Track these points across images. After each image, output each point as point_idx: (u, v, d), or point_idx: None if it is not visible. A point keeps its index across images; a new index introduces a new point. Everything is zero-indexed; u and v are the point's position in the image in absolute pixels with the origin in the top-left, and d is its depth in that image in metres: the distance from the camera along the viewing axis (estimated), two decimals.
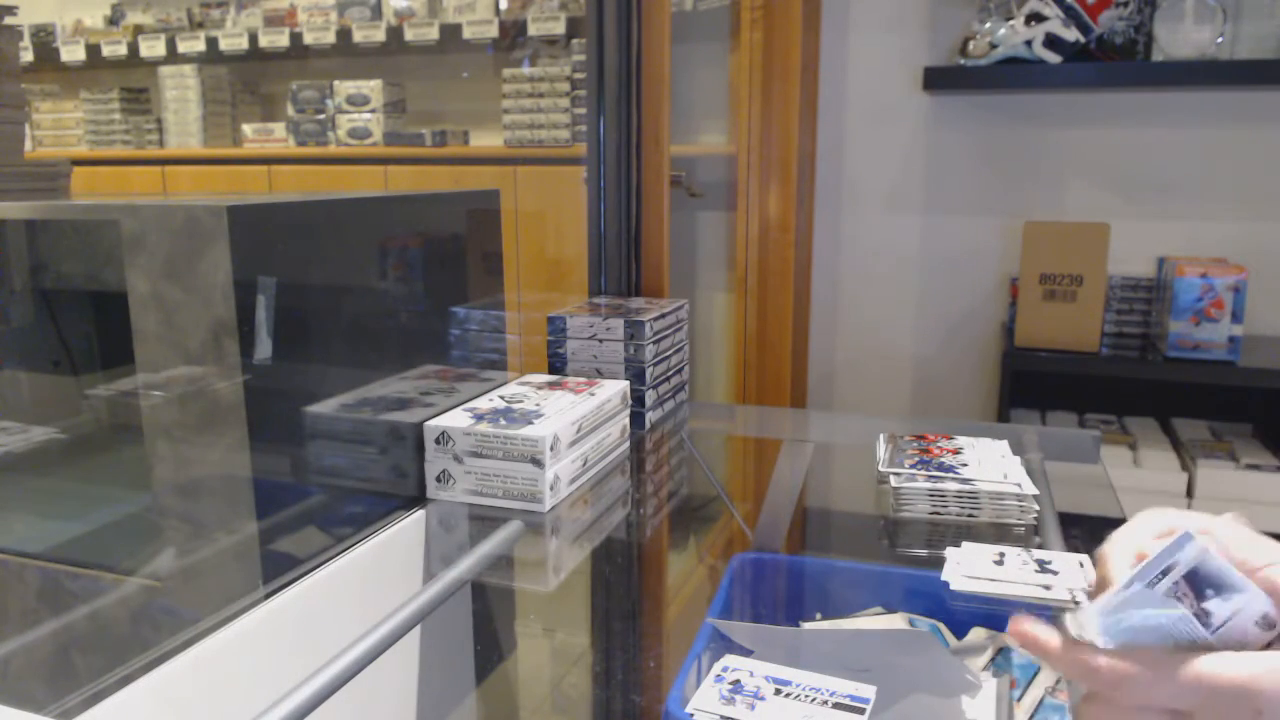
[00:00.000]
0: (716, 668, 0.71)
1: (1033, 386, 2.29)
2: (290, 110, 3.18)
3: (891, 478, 1.08)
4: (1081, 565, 0.85)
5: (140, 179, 3.26)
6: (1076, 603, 0.80)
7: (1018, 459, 1.13)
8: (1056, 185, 2.36)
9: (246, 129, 3.27)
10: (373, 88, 3.07)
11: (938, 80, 2.27)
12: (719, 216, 2.56)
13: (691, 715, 0.65)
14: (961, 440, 1.21)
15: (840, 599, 0.91)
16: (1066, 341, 2.09)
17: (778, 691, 0.67)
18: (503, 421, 1.06)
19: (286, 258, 0.87)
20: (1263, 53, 2.12)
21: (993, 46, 2.16)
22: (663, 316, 1.41)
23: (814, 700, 0.66)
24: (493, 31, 2.91)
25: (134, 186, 3.20)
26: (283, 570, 0.87)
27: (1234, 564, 0.45)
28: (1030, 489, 1.03)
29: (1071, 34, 2.08)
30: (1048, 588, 0.82)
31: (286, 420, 0.88)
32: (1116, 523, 1.20)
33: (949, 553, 0.88)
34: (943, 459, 1.13)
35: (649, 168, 1.61)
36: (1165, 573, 0.45)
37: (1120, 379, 2.25)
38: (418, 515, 1.05)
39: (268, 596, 0.84)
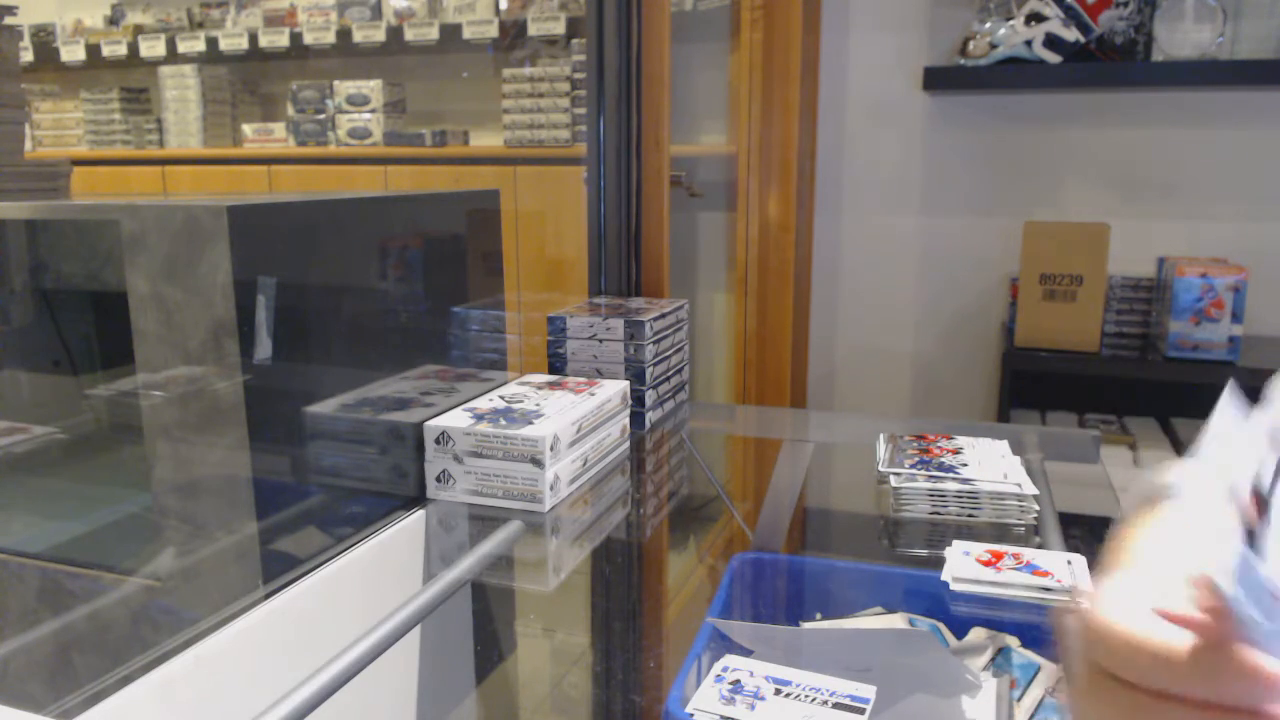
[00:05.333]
0: (716, 668, 0.71)
1: (1033, 386, 2.29)
2: (290, 110, 3.18)
3: (891, 478, 1.08)
4: (1069, 563, 0.85)
5: (140, 179, 3.26)
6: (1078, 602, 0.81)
7: (1018, 459, 1.13)
8: (1056, 185, 2.36)
9: (246, 129, 3.27)
10: (373, 88, 3.07)
11: (938, 80, 2.27)
12: (719, 216, 2.56)
13: (691, 715, 0.65)
14: (961, 440, 1.21)
15: (840, 599, 0.91)
16: (1066, 341, 2.09)
17: (778, 691, 0.67)
18: (503, 421, 1.06)
19: (286, 258, 0.87)
20: (1263, 53, 2.12)
21: (993, 46, 2.16)
22: (663, 316, 1.41)
23: (814, 700, 0.66)
24: (493, 31, 2.91)
25: (134, 186, 3.20)
26: (283, 570, 0.87)
27: None
28: (1030, 489, 1.03)
29: (1071, 34, 2.08)
30: (1048, 589, 0.82)
31: (286, 420, 0.88)
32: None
33: (949, 553, 0.88)
34: (943, 459, 1.13)
35: (649, 168, 1.61)
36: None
37: (1120, 379, 2.25)
38: (418, 515, 1.05)
39: (268, 596, 0.84)
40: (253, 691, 0.79)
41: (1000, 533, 1.00)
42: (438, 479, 1.07)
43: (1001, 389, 2.16)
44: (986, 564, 0.95)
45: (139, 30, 3.37)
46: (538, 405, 1.12)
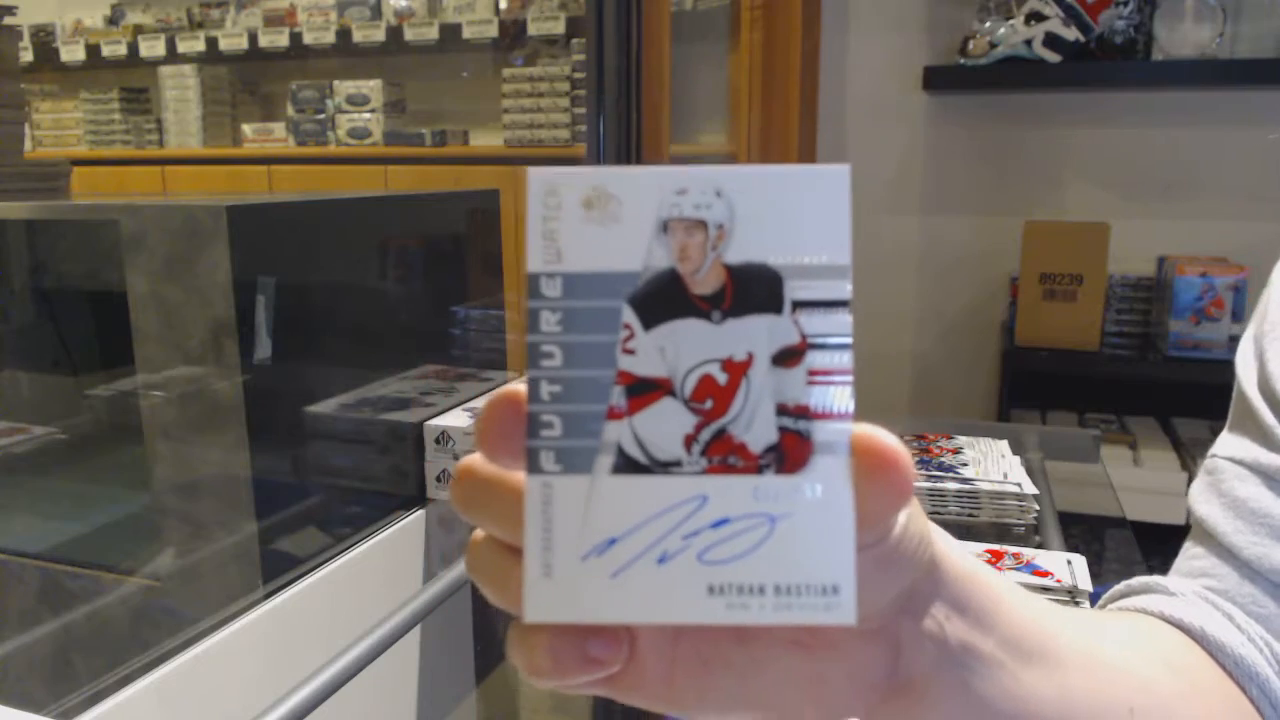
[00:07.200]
0: None
1: (1033, 386, 2.29)
2: (290, 110, 3.18)
3: None
4: (1069, 563, 0.85)
5: (140, 179, 3.26)
6: (1076, 602, 0.81)
7: (1018, 459, 1.13)
8: (1056, 185, 2.36)
9: (246, 129, 3.27)
10: (373, 88, 3.07)
11: (938, 80, 2.27)
12: None
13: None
14: (961, 440, 1.21)
15: None
16: (1066, 341, 2.09)
17: None
18: None
19: (286, 258, 0.87)
20: (1262, 52, 2.12)
21: (992, 46, 2.16)
22: None
23: None
24: (493, 31, 2.90)
25: (134, 186, 3.20)
26: (283, 570, 0.87)
27: None
28: (1030, 489, 1.03)
29: (1071, 33, 2.08)
30: (1048, 589, 0.82)
31: (286, 420, 0.88)
32: (1117, 522, 1.20)
33: None
34: (942, 459, 1.13)
35: None
36: None
37: (1120, 379, 2.25)
38: (418, 515, 1.05)
39: (268, 596, 0.84)
40: (253, 691, 0.79)
41: (1000, 533, 1.00)
42: (438, 479, 1.07)
43: (1001, 389, 2.16)
44: (987, 564, 0.95)
45: (139, 30, 3.36)
46: None
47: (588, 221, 0.24)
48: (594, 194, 0.24)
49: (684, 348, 0.24)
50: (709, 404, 0.24)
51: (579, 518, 0.23)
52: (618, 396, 0.24)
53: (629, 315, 0.24)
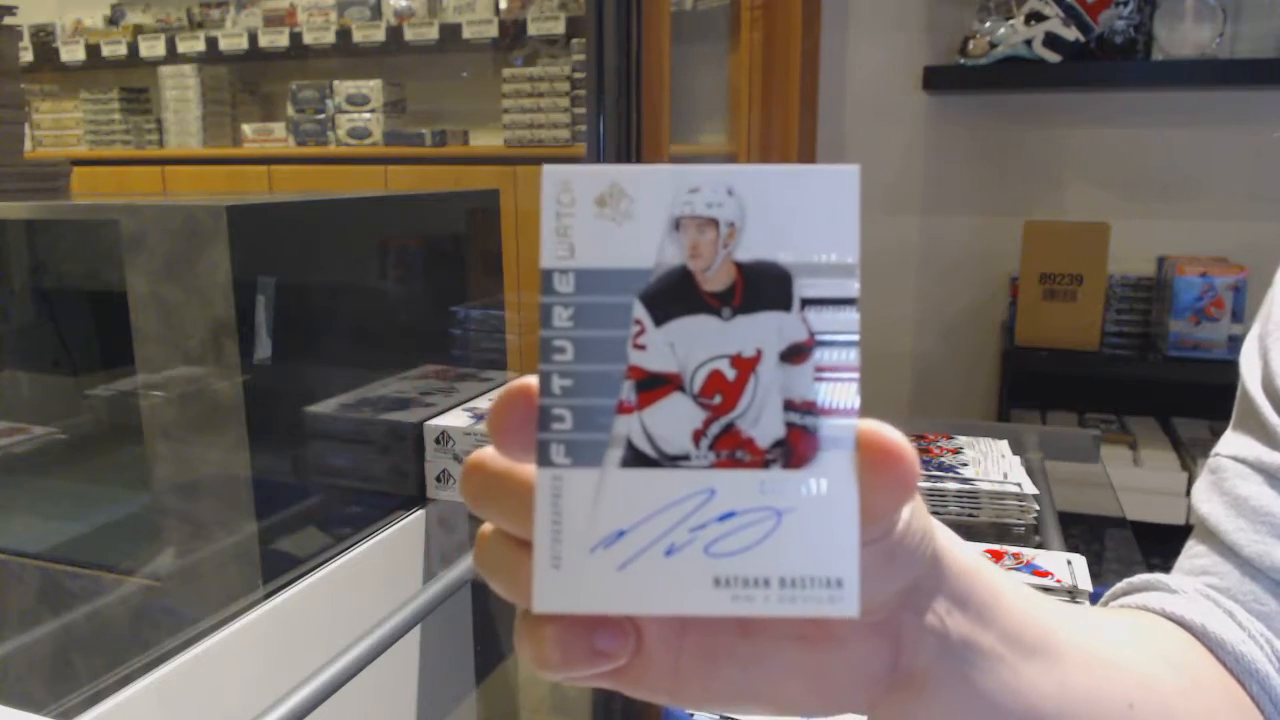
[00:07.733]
0: None
1: (1033, 386, 2.29)
2: (290, 110, 3.18)
3: None
4: (1069, 563, 0.85)
5: (140, 179, 3.25)
6: (1077, 602, 0.81)
7: (1018, 459, 1.13)
8: (1056, 185, 2.36)
9: (246, 129, 3.27)
10: (373, 88, 3.07)
11: (938, 80, 2.26)
12: None
13: (691, 715, 0.65)
14: (961, 440, 1.21)
15: None
16: (1066, 341, 2.09)
17: None
18: None
19: (286, 258, 0.87)
20: (1262, 52, 2.12)
21: (992, 46, 2.16)
22: None
23: None
24: (493, 31, 2.90)
25: (134, 186, 3.20)
26: (283, 570, 0.87)
27: None
28: (1030, 489, 1.03)
29: (1071, 33, 2.08)
30: (1048, 589, 0.82)
31: (286, 420, 0.88)
32: (1117, 522, 1.20)
33: None
34: (942, 459, 1.13)
35: None
36: None
37: (1120, 378, 2.25)
38: (418, 515, 1.05)
39: (268, 596, 0.84)
40: (253, 691, 0.79)
41: (1000, 533, 1.00)
42: (438, 479, 1.07)
43: (1001, 389, 2.16)
44: (987, 560, 0.94)
45: (139, 30, 3.36)
46: None
47: (601, 218, 0.24)
48: (607, 191, 0.24)
49: (694, 344, 0.24)
50: (718, 399, 0.24)
51: (588, 510, 0.23)
52: (628, 391, 0.24)
53: (640, 311, 0.24)
